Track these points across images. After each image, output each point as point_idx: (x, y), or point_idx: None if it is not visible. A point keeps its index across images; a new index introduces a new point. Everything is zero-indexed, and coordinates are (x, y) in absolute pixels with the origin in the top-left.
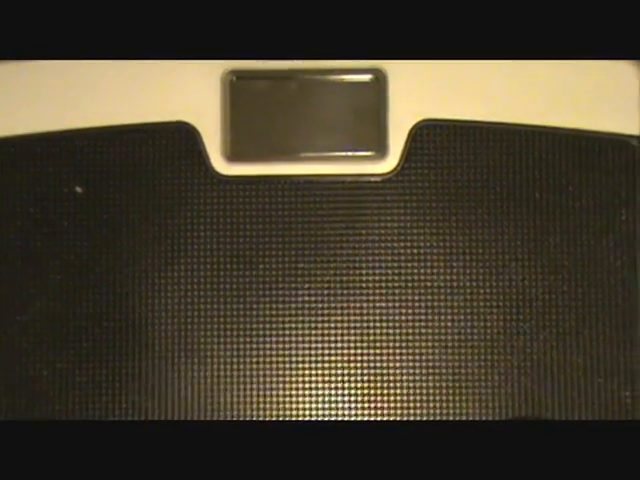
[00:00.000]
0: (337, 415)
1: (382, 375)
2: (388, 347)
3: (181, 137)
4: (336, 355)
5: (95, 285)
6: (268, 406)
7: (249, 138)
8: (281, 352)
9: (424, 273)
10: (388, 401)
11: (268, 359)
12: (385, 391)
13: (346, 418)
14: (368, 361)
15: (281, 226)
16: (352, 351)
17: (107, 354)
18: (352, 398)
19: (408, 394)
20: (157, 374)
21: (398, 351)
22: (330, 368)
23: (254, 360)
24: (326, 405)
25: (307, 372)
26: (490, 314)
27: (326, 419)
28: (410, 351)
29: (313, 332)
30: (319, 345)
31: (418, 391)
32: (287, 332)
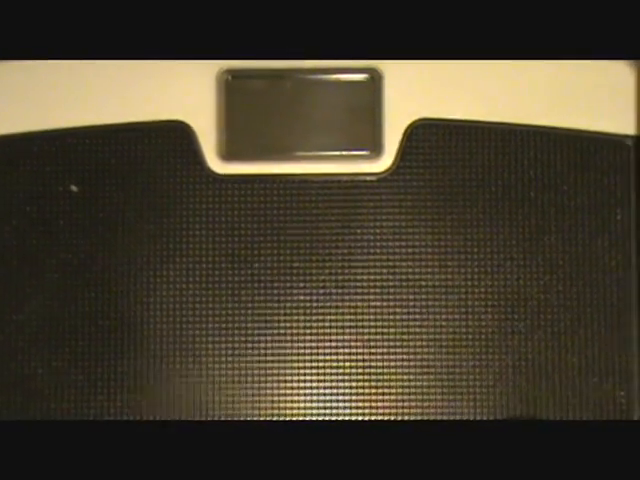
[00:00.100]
0: (331, 414)
1: (377, 374)
2: (383, 346)
3: (176, 136)
4: (331, 354)
5: (91, 284)
6: (263, 405)
7: (244, 137)
8: (276, 351)
9: (419, 272)
10: (383, 400)
11: (263, 358)
12: (380, 390)
13: (340, 417)
14: (363, 360)
15: (276, 225)
16: (347, 350)
17: (103, 353)
18: (347, 397)
19: (403, 393)
20: (152, 373)
21: (393, 350)
22: (325, 367)
23: (249, 359)
24: (320, 404)
25: (302, 371)
26: (485, 313)
27: (320, 419)
28: (405, 350)
29: (308, 331)
30: (314, 344)
31: (413, 390)
32: (282, 331)
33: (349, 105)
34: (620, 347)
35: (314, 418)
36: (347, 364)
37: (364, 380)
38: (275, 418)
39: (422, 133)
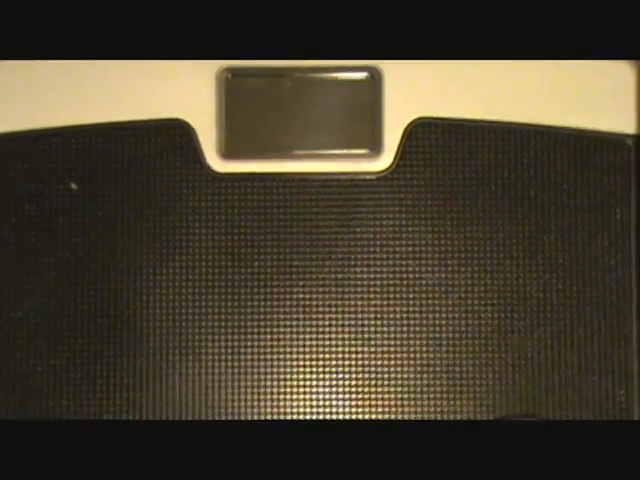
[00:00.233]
0: (331, 413)
1: (376, 372)
2: (382, 344)
3: (176, 134)
4: (330, 352)
5: (90, 282)
6: (262, 403)
7: (244, 135)
8: (275, 349)
9: (419, 271)
10: (382, 399)
11: (262, 356)
12: (379, 389)
13: (340, 416)
14: (362, 359)
15: (276, 223)
16: (347, 348)
17: (101, 351)
18: (346, 396)
19: (402, 392)
20: (152, 371)
21: (393, 349)
22: (324, 365)
23: (249, 357)
24: (320, 402)
25: (301, 369)
26: (485, 312)
27: (320, 417)
28: (404, 349)
29: (308, 329)
30: (313, 342)
31: (412, 389)
32: (282, 329)
33: (349, 104)
34: (619, 345)
35: (314, 417)
36: (347, 362)
37: (364, 378)
38: (275, 416)
39: (422, 132)
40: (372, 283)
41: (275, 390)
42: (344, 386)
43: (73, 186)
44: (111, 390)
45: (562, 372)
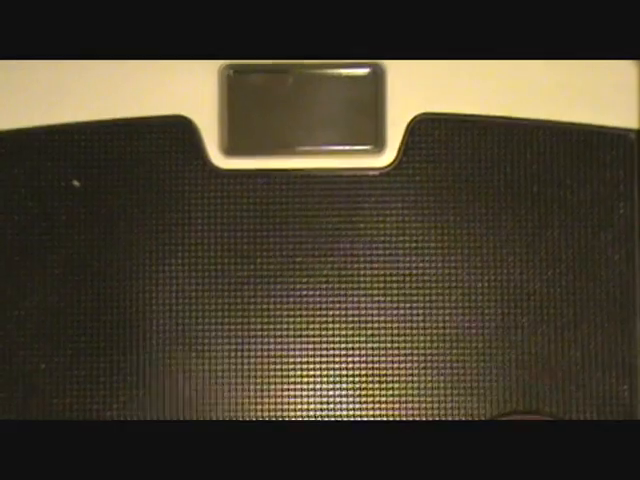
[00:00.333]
0: (334, 409)
1: (380, 368)
2: (386, 341)
3: (179, 131)
4: (334, 349)
5: (93, 279)
6: (266, 400)
7: (247, 132)
8: (279, 346)
9: (422, 267)
10: (386, 395)
11: (266, 353)
12: (383, 385)
13: (344, 412)
14: (366, 355)
15: (279, 220)
16: (350, 345)
17: (105, 348)
18: (350, 392)
19: (406, 388)
20: (155, 368)
21: (396, 345)
22: (327, 362)
23: (252, 354)
24: (324, 399)
25: (305, 367)
26: (488, 308)
27: (324, 414)
28: (408, 345)
29: (311, 326)
30: (317, 339)
31: (416, 385)
32: (285, 326)
33: (351, 100)
34: (623, 341)
35: (317, 415)
36: (350, 359)
37: (367, 375)
38: (278, 414)
39: (425, 128)
40: (375, 279)
41: (279, 386)
42: (347, 382)
43: (76, 183)
44: (114, 387)
45: (565, 368)
